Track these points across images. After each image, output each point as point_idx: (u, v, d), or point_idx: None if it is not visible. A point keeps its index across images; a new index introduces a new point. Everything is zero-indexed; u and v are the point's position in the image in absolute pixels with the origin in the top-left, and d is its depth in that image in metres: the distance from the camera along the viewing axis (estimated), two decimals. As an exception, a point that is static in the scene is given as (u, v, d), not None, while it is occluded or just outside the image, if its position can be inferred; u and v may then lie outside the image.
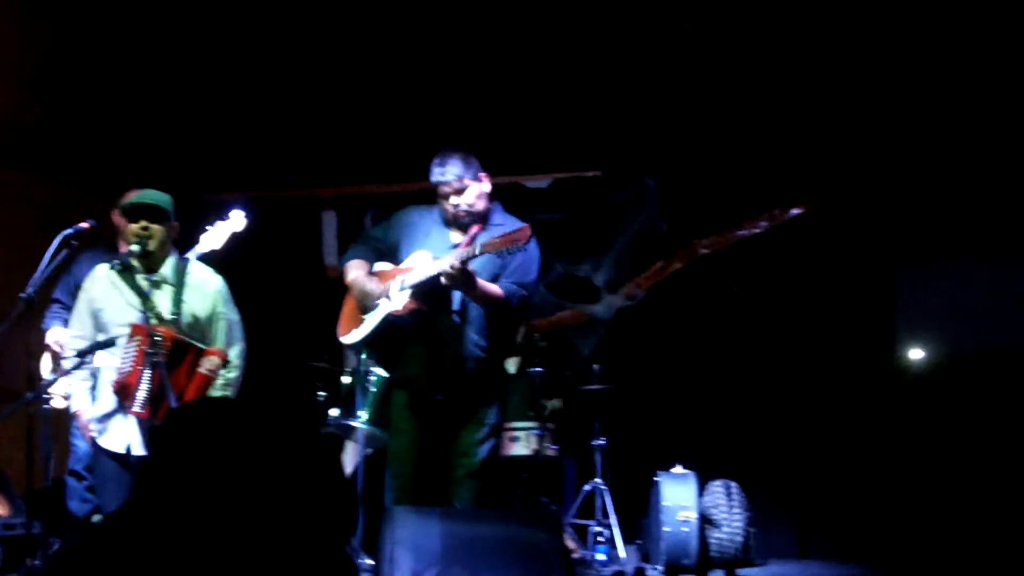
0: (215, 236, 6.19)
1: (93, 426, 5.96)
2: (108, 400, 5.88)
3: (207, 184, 8.87)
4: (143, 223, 5.94)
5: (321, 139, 9.09)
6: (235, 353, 6.15)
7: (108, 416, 5.93)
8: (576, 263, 8.75)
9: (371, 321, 6.18)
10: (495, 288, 6.00)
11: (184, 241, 6.19)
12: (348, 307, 6.37)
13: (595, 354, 8.51)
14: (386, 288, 6.12)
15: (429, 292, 6.01)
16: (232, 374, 6.09)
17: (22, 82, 6.86)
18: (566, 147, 8.79)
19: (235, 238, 6.24)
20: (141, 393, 5.72)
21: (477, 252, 5.77)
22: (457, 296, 6.04)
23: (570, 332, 8.73)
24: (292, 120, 8.95)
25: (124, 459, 5.87)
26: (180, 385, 5.76)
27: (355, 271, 6.28)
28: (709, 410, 8.49)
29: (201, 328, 6.03)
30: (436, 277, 5.87)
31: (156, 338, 5.70)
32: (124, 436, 5.87)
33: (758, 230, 8.39)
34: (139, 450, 5.82)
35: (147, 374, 5.71)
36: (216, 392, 5.94)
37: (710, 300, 8.61)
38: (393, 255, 6.28)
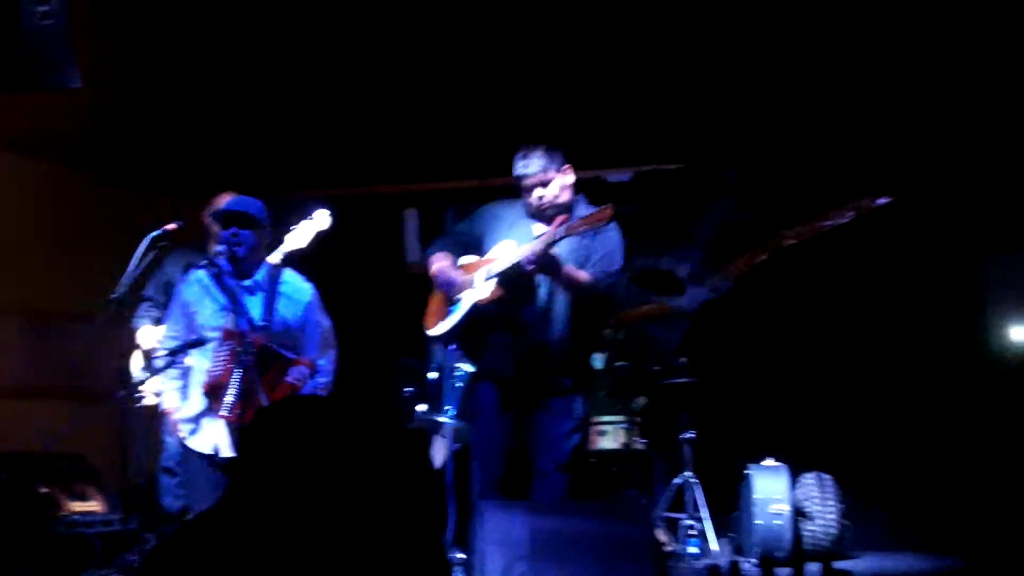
0: (300, 236, 6.20)
1: (183, 426, 6.01)
2: (198, 401, 5.93)
3: (287, 183, 8.90)
4: (233, 229, 5.98)
5: (402, 136, 9.10)
6: (327, 359, 6.18)
7: (198, 417, 5.98)
8: (659, 255, 8.69)
9: (456, 312, 6.19)
10: (581, 274, 5.97)
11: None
12: (434, 301, 6.39)
13: (681, 347, 8.44)
14: (471, 279, 6.13)
15: (514, 280, 6.01)
16: (323, 379, 6.13)
17: (93, 83, 6.94)
18: (647, 140, 8.73)
19: (319, 237, 6.26)
20: (229, 397, 5.76)
21: (561, 235, 5.75)
22: (543, 286, 6.02)
23: (654, 326, 8.67)
24: (373, 117, 8.96)
25: (211, 459, 5.92)
26: (267, 393, 5.79)
27: (439, 263, 6.29)
28: (799, 402, 8.40)
29: (293, 335, 6.06)
30: (520, 264, 5.87)
31: (247, 343, 5.74)
32: (212, 437, 5.92)
33: (844, 220, 8.27)
34: (227, 452, 5.86)
35: (236, 378, 5.75)
36: None
37: (796, 291, 8.52)
38: (478, 248, 6.29)
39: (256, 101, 8.79)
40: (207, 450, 5.95)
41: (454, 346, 6.53)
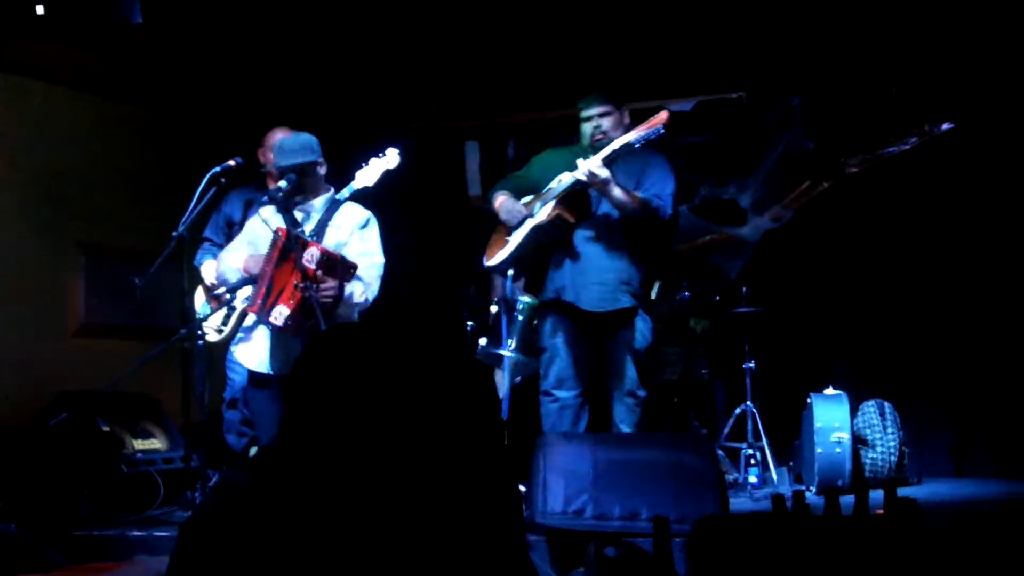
0: (369, 173, 6.25)
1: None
2: (251, 318, 6.08)
3: (351, 116, 8.92)
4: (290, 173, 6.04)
5: (462, 70, 9.09)
6: (366, 266, 6.07)
7: (249, 330, 6.12)
8: (721, 185, 8.67)
9: (516, 238, 6.37)
10: (634, 193, 6.23)
11: (337, 175, 6.28)
12: (496, 236, 6.57)
13: (743, 277, 8.44)
14: (531, 208, 6.33)
15: (571, 200, 6.30)
16: (358, 293, 6.01)
17: (156, 18, 6.98)
18: (709, 69, 8.68)
19: (386, 174, 6.31)
20: (256, 290, 5.86)
21: (617, 146, 6.12)
22: (598, 205, 6.30)
23: (717, 255, 8.67)
24: (432, 52, 8.95)
25: (264, 380, 6.04)
26: (284, 279, 5.82)
27: (502, 198, 6.50)
28: (860, 331, 8.40)
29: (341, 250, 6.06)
30: (577, 181, 6.16)
31: (275, 240, 5.82)
32: (257, 351, 6.04)
33: (907, 147, 8.20)
34: (263, 367, 6.05)
35: (267, 273, 5.84)
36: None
37: (859, 220, 8.47)
38: (536, 192, 6.47)
39: (318, 34, 8.79)
40: (247, 363, 6.09)
41: (512, 274, 6.65)
